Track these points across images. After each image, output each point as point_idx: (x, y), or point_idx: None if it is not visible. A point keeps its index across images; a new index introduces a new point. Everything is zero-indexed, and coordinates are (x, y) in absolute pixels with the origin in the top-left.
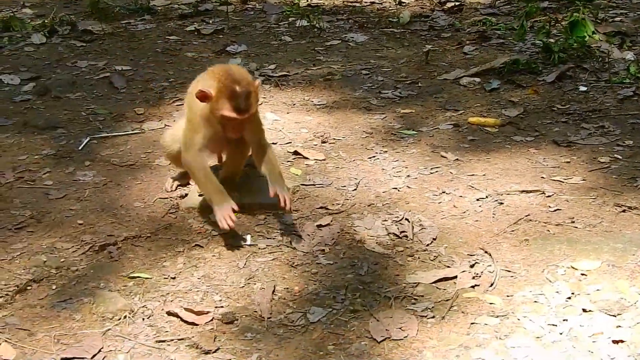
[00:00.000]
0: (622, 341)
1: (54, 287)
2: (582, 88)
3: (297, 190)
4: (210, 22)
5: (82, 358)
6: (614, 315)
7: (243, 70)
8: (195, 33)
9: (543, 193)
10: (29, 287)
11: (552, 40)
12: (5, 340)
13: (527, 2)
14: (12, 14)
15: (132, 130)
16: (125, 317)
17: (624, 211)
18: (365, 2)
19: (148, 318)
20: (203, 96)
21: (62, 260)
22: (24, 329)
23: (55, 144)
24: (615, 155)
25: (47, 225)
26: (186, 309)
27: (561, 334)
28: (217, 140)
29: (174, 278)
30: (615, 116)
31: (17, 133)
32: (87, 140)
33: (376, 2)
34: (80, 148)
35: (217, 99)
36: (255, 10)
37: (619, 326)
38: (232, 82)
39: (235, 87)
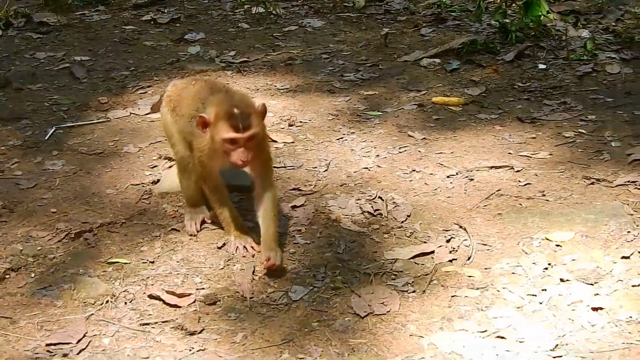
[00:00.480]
0: (600, 308)
1: (32, 275)
2: (541, 66)
3: None
4: (166, 11)
5: (67, 343)
6: (591, 284)
7: (244, 95)
8: (152, 22)
9: (512, 168)
10: (7, 276)
11: (507, 20)
12: None
13: None
14: None
15: (98, 119)
16: (107, 301)
17: (592, 183)
18: None
19: (130, 302)
20: (202, 122)
21: (38, 248)
22: (6, 317)
23: (21, 134)
24: (580, 130)
25: (20, 214)
26: (168, 292)
27: (541, 303)
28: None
29: (152, 262)
30: (575, 92)
31: None
32: (52, 130)
33: None
34: (46, 138)
35: (216, 123)
36: None
37: (597, 294)
38: (230, 105)
39: (233, 110)
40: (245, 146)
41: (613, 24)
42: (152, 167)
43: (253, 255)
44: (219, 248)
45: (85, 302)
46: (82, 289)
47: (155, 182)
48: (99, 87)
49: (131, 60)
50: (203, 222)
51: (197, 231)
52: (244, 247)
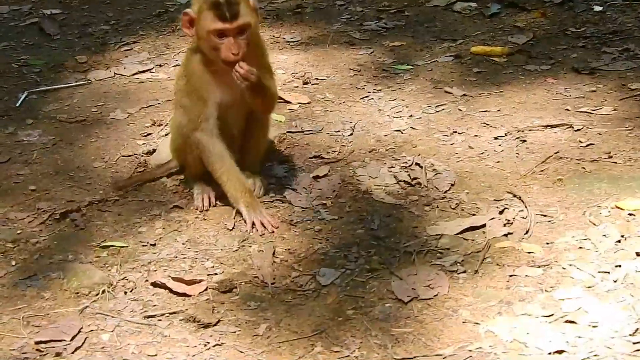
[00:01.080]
0: None
1: (13, 263)
2: (597, 8)
3: (284, 139)
4: None
5: (60, 340)
6: None
7: None
8: None
9: (571, 127)
10: None
11: None
12: None
13: None
14: None
15: (77, 82)
16: (103, 291)
17: None
18: None
19: (131, 291)
20: (188, 20)
21: (18, 232)
22: None
23: None
24: None
25: None
26: (174, 279)
27: (615, 281)
28: (224, 93)
29: (154, 245)
30: None
31: None
32: (24, 95)
33: None
34: (18, 105)
35: (200, 16)
36: None
37: None
38: None
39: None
40: (236, 38)
41: None
42: (145, 136)
43: (273, 232)
44: (230, 230)
45: (77, 293)
46: (73, 277)
47: (150, 153)
48: (74, 44)
49: (110, 12)
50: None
51: (211, 206)
52: (261, 222)
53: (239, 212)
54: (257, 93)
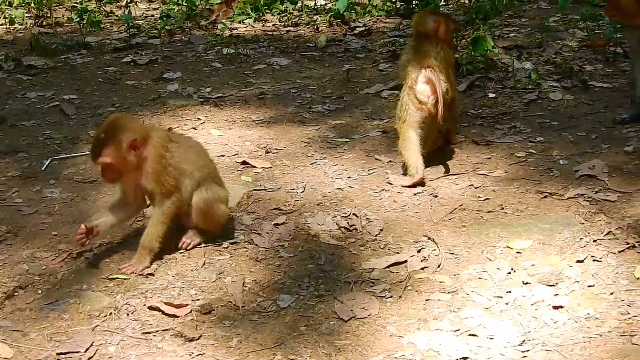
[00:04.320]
0: (561, 307)
1: (39, 292)
2: (491, 95)
3: (251, 195)
4: (144, 53)
5: (77, 352)
6: (551, 285)
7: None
8: (132, 64)
9: (472, 185)
10: (16, 293)
11: (457, 55)
12: (1, 341)
13: None
14: None
15: (89, 151)
16: (110, 313)
17: (545, 197)
18: (283, 31)
19: (132, 313)
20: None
21: (43, 267)
22: (17, 330)
23: (19, 166)
24: (530, 150)
25: (24, 238)
26: (166, 303)
27: (507, 304)
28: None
29: (150, 277)
30: (523, 117)
31: None
32: (48, 161)
33: (292, 30)
34: (43, 169)
35: None
36: (182, 42)
37: (557, 294)
38: (101, 129)
39: (99, 133)
40: (103, 170)
41: (553, 56)
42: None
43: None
44: (210, 265)
45: (90, 315)
46: (86, 302)
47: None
48: (88, 122)
49: (115, 97)
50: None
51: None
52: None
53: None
54: None
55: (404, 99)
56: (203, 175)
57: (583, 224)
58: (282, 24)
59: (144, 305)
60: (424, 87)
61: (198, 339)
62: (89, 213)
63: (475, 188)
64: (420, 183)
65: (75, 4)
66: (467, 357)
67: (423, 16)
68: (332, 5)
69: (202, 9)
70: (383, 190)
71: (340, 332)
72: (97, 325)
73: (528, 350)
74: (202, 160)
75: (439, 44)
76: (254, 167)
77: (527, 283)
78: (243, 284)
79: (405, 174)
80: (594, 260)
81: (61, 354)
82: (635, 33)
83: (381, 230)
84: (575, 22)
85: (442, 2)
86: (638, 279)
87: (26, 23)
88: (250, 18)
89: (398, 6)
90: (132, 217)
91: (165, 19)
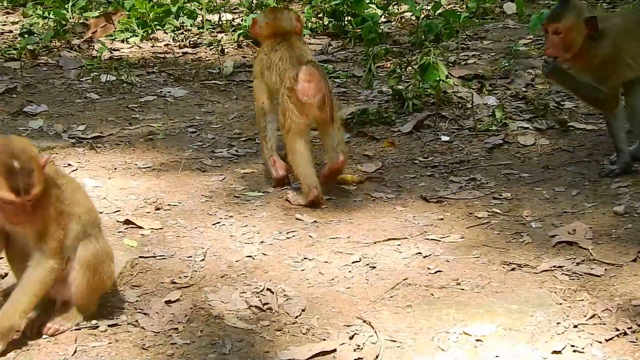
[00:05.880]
0: None
1: None
2: (445, 138)
3: (137, 264)
4: None
5: None
6: None
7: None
8: None
9: (420, 254)
10: None
11: (401, 86)
12: None
13: (369, 46)
14: None
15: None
16: None
17: (513, 269)
18: (178, 53)
19: None
20: None
21: None
22: None
23: None
24: (494, 210)
25: None
26: None
27: None
28: None
29: None
30: (486, 167)
31: None
32: None
33: (189, 52)
34: None
35: None
36: (49, 65)
37: None
38: (10, 156)
39: (12, 162)
40: (24, 207)
41: (523, 89)
42: None
43: None
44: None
45: None
46: None
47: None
48: None
49: None
50: None
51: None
52: None
53: None
54: None
55: (284, 105)
56: (91, 220)
57: (561, 304)
58: (178, 44)
59: None
60: (306, 85)
61: None
62: None
63: (424, 257)
64: (317, 201)
65: None
66: None
67: (282, 13)
68: (242, 20)
69: (74, 24)
70: (306, 259)
71: None
72: None
73: None
74: (89, 202)
75: (302, 40)
76: (140, 227)
77: None
78: None
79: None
80: (574, 351)
81: None
82: (587, 75)
83: (303, 310)
84: None
85: (383, 19)
86: None
87: None
88: (137, 36)
89: (326, 23)
90: None
91: (26, 36)
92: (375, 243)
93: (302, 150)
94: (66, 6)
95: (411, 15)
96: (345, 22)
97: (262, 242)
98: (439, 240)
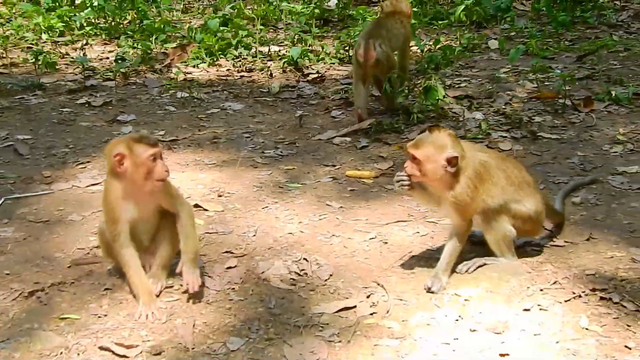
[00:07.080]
0: (507, 354)
1: None
2: None
3: (203, 238)
4: (98, 95)
5: None
6: (498, 333)
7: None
8: (86, 105)
9: (421, 233)
10: None
11: (407, 102)
12: None
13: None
14: None
15: (42, 191)
16: (61, 353)
17: None
18: (236, 76)
19: (83, 353)
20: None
21: None
22: None
23: None
24: None
25: None
26: (117, 344)
27: (454, 350)
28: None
29: (101, 317)
30: None
31: None
32: (1, 201)
33: (245, 76)
34: None
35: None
36: (137, 84)
37: (503, 342)
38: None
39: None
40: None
41: (503, 107)
42: (95, 234)
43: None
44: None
45: (41, 354)
46: (37, 342)
47: (98, 247)
48: (41, 162)
49: (69, 139)
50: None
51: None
52: (152, 313)
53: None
54: None
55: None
56: None
57: (530, 272)
58: (236, 69)
59: (95, 345)
60: (361, 52)
61: None
62: (41, 253)
63: (423, 235)
64: (359, 117)
65: (31, 45)
66: None
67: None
68: (286, 52)
69: (157, 52)
70: (334, 235)
71: None
72: None
73: None
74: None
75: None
76: (206, 210)
77: (474, 330)
78: (193, 325)
79: None
80: (540, 310)
81: None
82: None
83: (331, 275)
84: (525, 74)
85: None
86: (584, 328)
87: None
88: (205, 62)
89: (350, 54)
90: None
91: (120, 61)
92: (387, 224)
93: (361, 87)
94: (151, 39)
95: (417, 49)
96: None
97: (300, 222)
98: (437, 223)
